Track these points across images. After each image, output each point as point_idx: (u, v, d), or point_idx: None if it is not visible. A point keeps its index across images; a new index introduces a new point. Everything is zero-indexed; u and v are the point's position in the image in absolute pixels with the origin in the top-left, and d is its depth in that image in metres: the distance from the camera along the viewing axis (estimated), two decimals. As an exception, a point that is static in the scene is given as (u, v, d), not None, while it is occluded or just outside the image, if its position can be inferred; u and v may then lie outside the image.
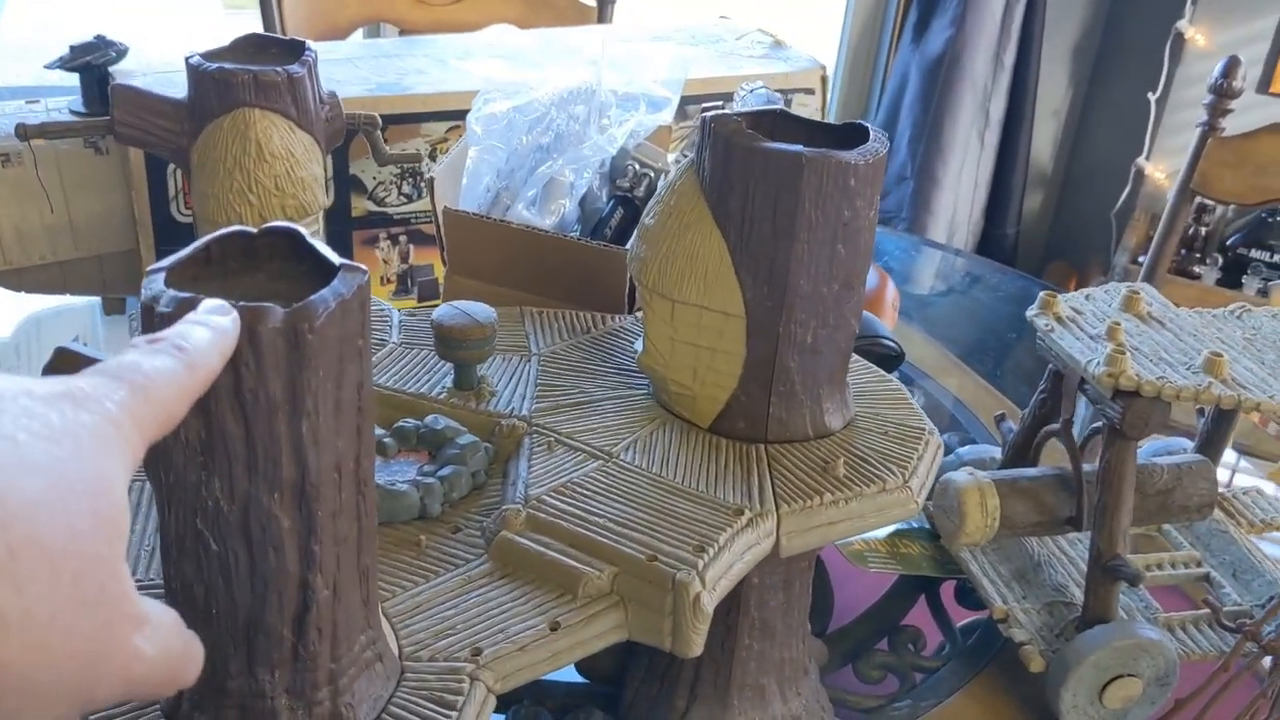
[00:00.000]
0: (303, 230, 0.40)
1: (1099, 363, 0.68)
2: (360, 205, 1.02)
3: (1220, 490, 0.88)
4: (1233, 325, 0.78)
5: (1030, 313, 0.74)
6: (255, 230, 0.40)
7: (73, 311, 1.11)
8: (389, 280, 1.08)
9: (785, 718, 0.67)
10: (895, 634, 0.80)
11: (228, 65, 0.58)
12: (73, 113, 0.91)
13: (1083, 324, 0.73)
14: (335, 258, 0.39)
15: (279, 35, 0.61)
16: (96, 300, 1.07)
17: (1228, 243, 2.09)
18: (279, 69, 0.58)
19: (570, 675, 0.72)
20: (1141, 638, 0.69)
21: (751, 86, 0.83)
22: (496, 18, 1.58)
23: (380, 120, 0.76)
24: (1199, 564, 0.82)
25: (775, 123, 0.60)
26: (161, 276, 0.37)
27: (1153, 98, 2.19)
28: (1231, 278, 2.07)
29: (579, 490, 0.54)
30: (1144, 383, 0.67)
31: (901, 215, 2.21)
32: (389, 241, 1.05)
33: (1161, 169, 2.17)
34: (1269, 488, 0.97)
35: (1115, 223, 2.27)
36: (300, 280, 0.39)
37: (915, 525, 0.85)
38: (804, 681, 0.68)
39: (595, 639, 0.49)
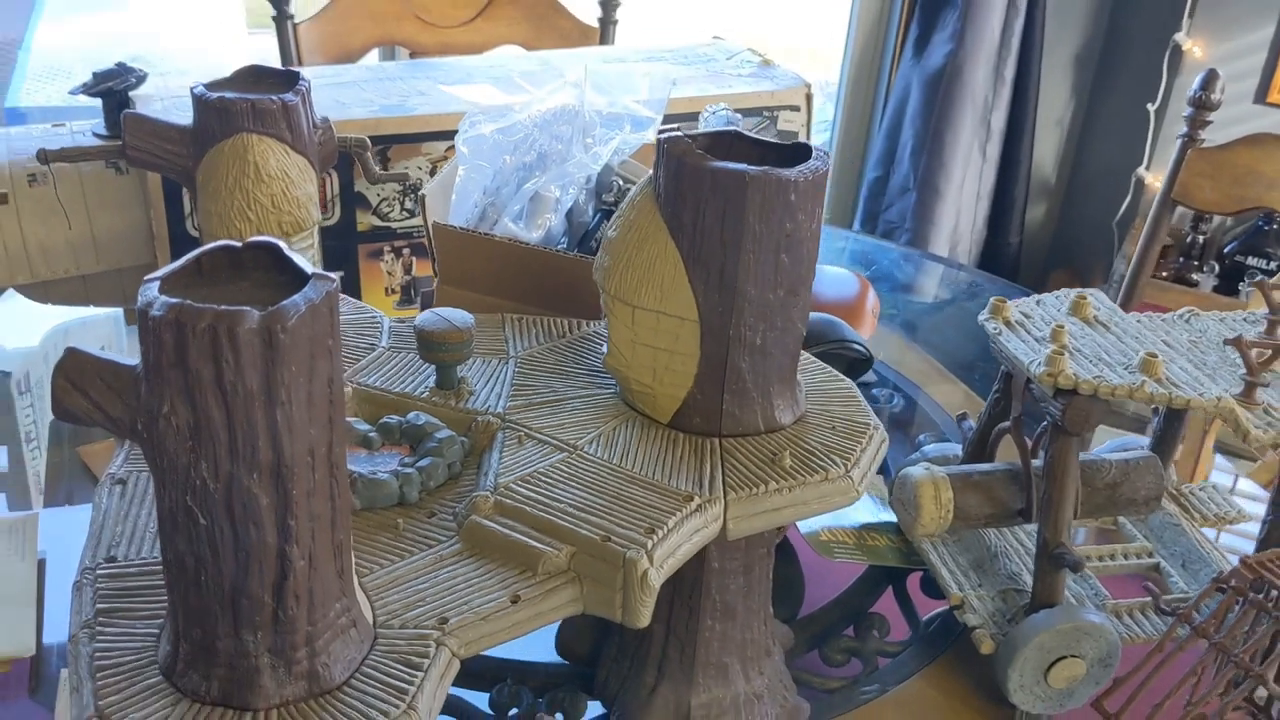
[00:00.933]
0: (282, 244, 0.45)
1: (1039, 363, 0.72)
2: (365, 221, 1.08)
3: (1177, 486, 0.93)
4: (1180, 329, 0.83)
5: (981, 317, 0.79)
6: (240, 244, 0.46)
7: (97, 322, 1.18)
8: (393, 291, 1.14)
9: (748, 695, 0.72)
10: (861, 621, 0.85)
11: (228, 95, 0.64)
12: (95, 135, 0.97)
13: (1030, 327, 0.78)
14: (309, 268, 0.44)
15: (278, 66, 0.67)
16: (119, 311, 1.13)
17: (1225, 250, 2.13)
18: (275, 98, 0.64)
19: (551, 656, 0.77)
20: (1083, 621, 0.73)
21: (714, 109, 0.88)
22: (503, 39, 1.64)
23: (369, 142, 0.81)
24: (1150, 555, 0.86)
25: (732, 143, 0.66)
26: (156, 285, 0.43)
27: (1152, 108, 2.23)
28: (1229, 285, 2.10)
29: (544, 479, 0.60)
30: (1081, 381, 0.71)
31: (905, 226, 2.25)
32: (393, 254, 1.11)
33: (1161, 178, 2.20)
34: (1228, 484, 1.01)
35: (1117, 231, 2.31)
36: (280, 288, 0.45)
37: (883, 520, 0.90)
38: (766, 662, 0.73)
39: (552, 611, 0.55)
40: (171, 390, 0.42)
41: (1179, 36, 2.17)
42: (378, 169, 0.83)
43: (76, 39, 2.62)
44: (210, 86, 0.65)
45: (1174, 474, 0.93)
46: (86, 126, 1.02)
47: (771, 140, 0.65)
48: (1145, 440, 0.90)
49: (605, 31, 1.62)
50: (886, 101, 2.29)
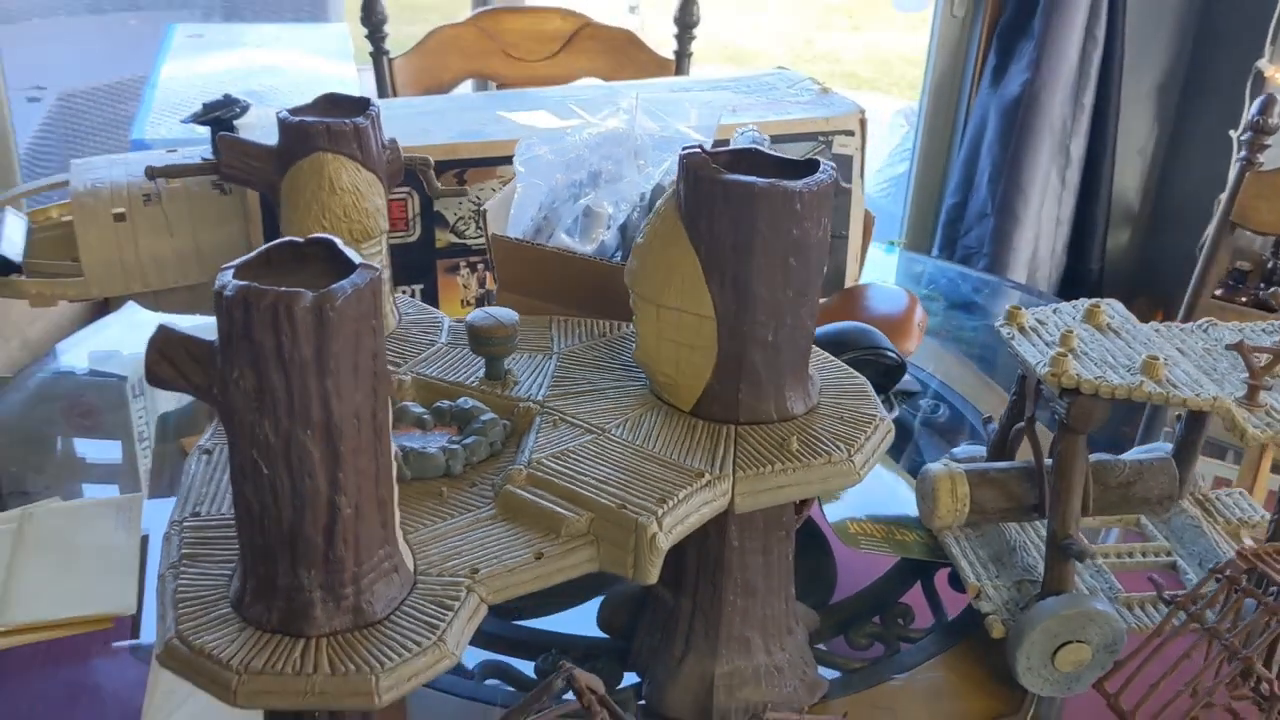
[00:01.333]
0: (337, 240, 0.54)
1: (1045, 364, 0.78)
2: (444, 238, 1.17)
3: (1204, 492, 0.96)
4: (1196, 337, 0.87)
5: (998, 323, 0.85)
6: (302, 240, 0.54)
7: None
8: (469, 303, 1.23)
9: (768, 667, 0.78)
10: (888, 610, 0.90)
11: (307, 119, 0.73)
12: (203, 159, 1.08)
13: (1043, 333, 0.83)
14: (357, 259, 0.53)
15: (353, 95, 0.76)
16: (221, 320, 1.24)
17: (1307, 276, 2.11)
18: (348, 121, 0.73)
19: (593, 631, 0.84)
20: (1088, 608, 0.78)
21: (743, 130, 0.95)
22: (584, 72, 1.73)
23: (431, 160, 0.90)
24: (1169, 554, 0.90)
25: (752, 159, 0.73)
26: (231, 272, 0.51)
27: (1235, 135, 2.23)
28: (1312, 311, 2.09)
29: (573, 456, 0.67)
30: (1083, 381, 0.76)
31: (982, 252, 2.28)
32: (468, 269, 1.20)
33: (1243, 205, 2.20)
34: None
35: (1200, 258, 2.30)
36: (334, 277, 0.53)
37: (914, 516, 0.95)
38: (788, 639, 0.79)
39: (572, 568, 0.62)
40: (240, 359, 0.50)
41: (1261, 63, 2.17)
42: (439, 185, 0.91)
43: (199, 77, 2.79)
44: (293, 111, 0.74)
45: (1200, 481, 0.96)
46: (196, 152, 1.13)
47: (788, 157, 0.72)
48: (1168, 447, 0.94)
49: (680, 64, 1.71)
50: (965, 129, 2.33)
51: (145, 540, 0.93)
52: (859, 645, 0.87)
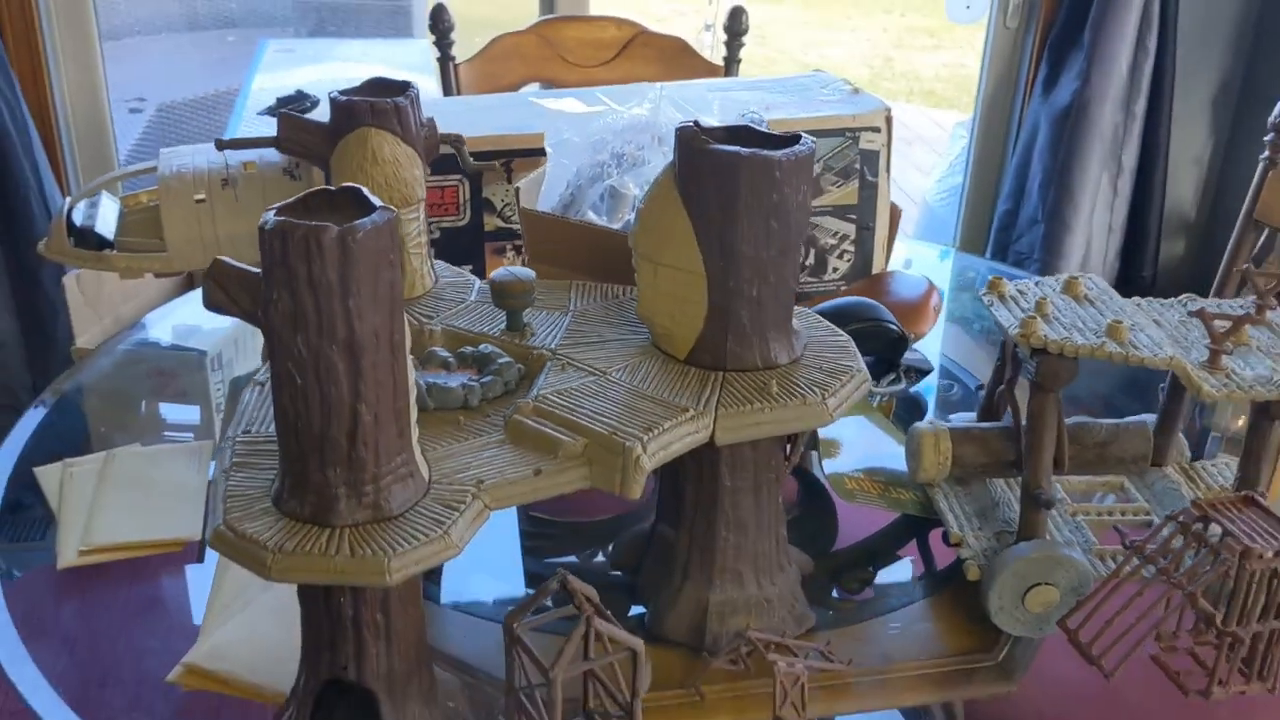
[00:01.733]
0: (364, 189, 0.63)
1: (1015, 326, 0.85)
2: (491, 222, 1.27)
3: (1190, 462, 1.02)
4: (1175, 311, 0.93)
5: (981, 292, 0.92)
6: (335, 189, 0.64)
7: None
8: (515, 284, 1.32)
9: (759, 599, 0.86)
10: (881, 561, 0.97)
11: (355, 99, 0.83)
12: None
13: (1021, 301, 0.90)
14: (378, 202, 0.62)
15: (395, 79, 0.86)
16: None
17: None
18: (389, 100, 0.83)
19: (604, 566, 0.93)
20: (1054, 553, 0.85)
21: (747, 113, 1.03)
22: (639, 78, 1.83)
23: (464, 137, 1.00)
24: (1147, 514, 0.96)
25: (745, 135, 0.81)
26: (274, 212, 0.61)
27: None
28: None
29: (575, 393, 0.76)
30: (1049, 341, 0.83)
31: (1034, 257, 2.33)
32: (514, 251, 1.30)
33: (1295, 213, 2.22)
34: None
35: (1225, 255, 2.33)
36: (360, 218, 0.62)
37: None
38: (779, 575, 0.87)
39: (566, 483, 0.71)
40: (278, 283, 0.60)
41: (1314, 73, 2.19)
42: (471, 160, 1.01)
43: (287, 88, 2.95)
44: (343, 92, 0.84)
45: (1186, 450, 1.02)
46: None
47: (777, 134, 0.80)
48: (1151, 418, 0.99)
49: (729, 70, 1.80)
50: (1017, 138, 2.38)
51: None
52: (851, 589, 0.94)
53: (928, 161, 4.08)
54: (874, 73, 6.08)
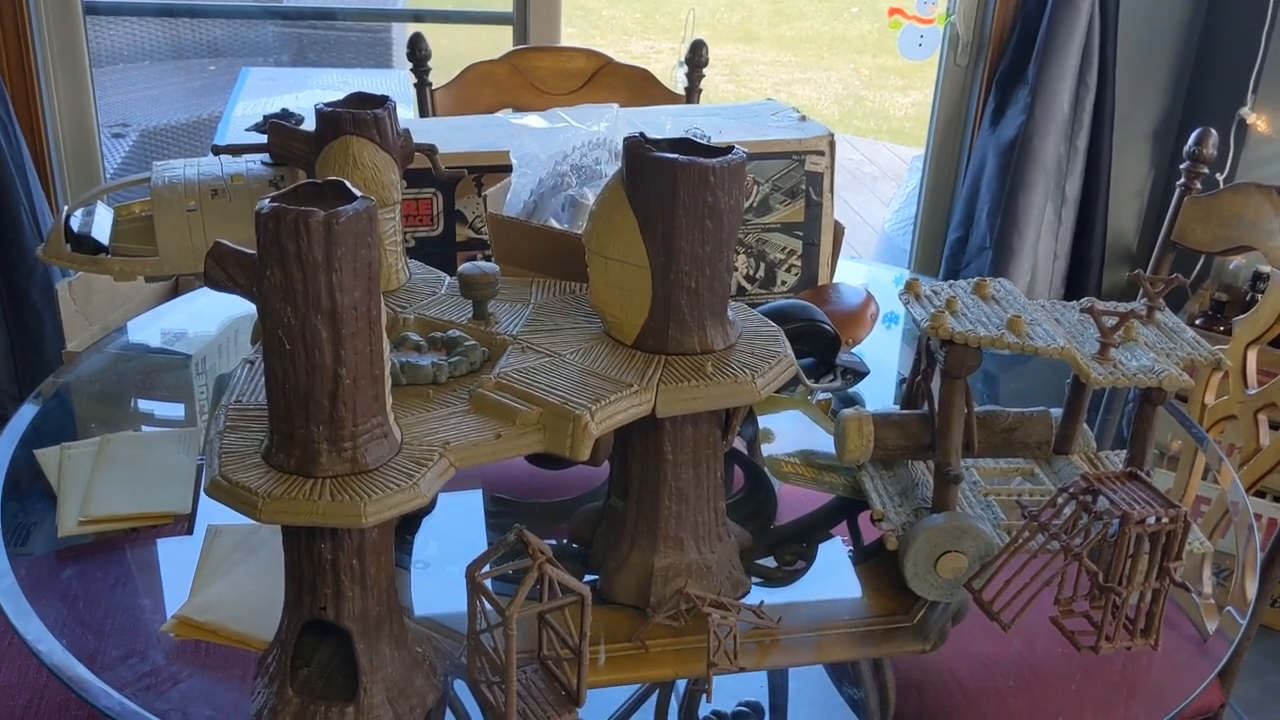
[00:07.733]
0: (347, 182, 0.73)
1: (926, 319, 0.95)
2: (463, 233, 1.37)
3: (1096, 452, 1.12)
4: (1075, 312, 1.04)
5: (899, 292, 1.02)
6: (321, 182, 0.74)
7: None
8: (484, 292, 1.42)
9: (699, 564, 0.95)
10: (813, 535, 1.07)
11: (338, 110, 0.93)
12: (263, 163, 1.29)
13: (935, 300, 1.00)
14: (358, 193, 0.72)
15: (375, 94, 0.96)
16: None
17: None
18: (369, 112, 0.93)
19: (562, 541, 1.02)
20: (961, 522, 0.95)
21: (691, 129, 1.14)
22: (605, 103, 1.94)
23: (437, 147, 1.10)
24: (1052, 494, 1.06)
25: (686, 146, 0.91)
26: (269, 200, 0.71)
27: (1220, 178, 2.38)
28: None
29: (533, 371, 0.86)
30: (955, 333, 0.93)
31: (982, 282, 2.45)
32: (484, 259, 1.39)
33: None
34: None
35: (1189, 292, 2.45)
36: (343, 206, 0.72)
37: (844, 465, 1.12)
38: (718, 544, 0.96)
39: (523, 446, 0.80)
40: (271, 259, 0.70)
41: (1243, 111, 2.33)
42: (444, 167, 1.11)
43: (268, 115, 3.04)
44: (327, 105, 0.94)
45: (1092, 441, 1.12)
46: (257, 157, 1.34)
47: (714, 144, 0.90)
48: (1058, 411, 1.10)
49: (690, 98, 1.91)
50: (967, 169, 2.50)
51: (200, 469, 1.12)
52: (785, 561, 1.04)
53: (890, 194, 4.22)
54: (845, 111, 6.25)
